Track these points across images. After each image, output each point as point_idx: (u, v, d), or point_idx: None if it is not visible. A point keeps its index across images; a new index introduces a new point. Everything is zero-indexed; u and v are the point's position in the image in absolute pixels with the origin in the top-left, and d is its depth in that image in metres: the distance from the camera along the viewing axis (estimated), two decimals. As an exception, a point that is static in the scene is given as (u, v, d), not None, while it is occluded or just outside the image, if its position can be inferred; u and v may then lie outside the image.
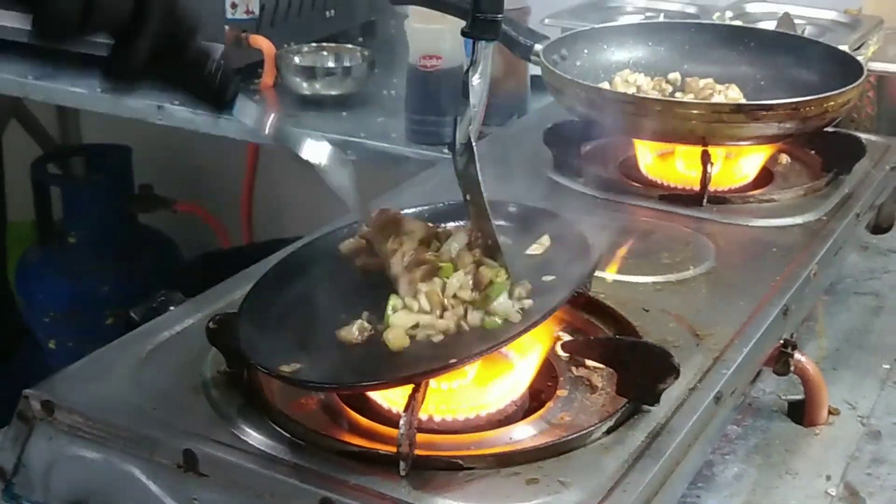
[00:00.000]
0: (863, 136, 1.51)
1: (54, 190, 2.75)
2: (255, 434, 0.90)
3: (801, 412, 1.17)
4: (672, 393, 0.95)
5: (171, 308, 1.10)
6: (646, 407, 0.94)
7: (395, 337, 0.93)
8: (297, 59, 2.11)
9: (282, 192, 2.76)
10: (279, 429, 0.91)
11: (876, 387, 1.24)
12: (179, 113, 2.03)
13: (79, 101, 2.16)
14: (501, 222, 1.09)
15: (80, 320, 2.61)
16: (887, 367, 1.28)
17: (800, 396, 1.17)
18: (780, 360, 1.13)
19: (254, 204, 2.77)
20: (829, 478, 1.08)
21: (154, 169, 2.87)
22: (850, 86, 1.38)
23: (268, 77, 2.12)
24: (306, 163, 0.99)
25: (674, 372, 0.93)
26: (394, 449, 0.85)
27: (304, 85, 2.05)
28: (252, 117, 0.97)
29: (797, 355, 1.14)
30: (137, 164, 2.78)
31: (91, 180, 2.87)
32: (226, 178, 2.87)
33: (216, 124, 2.00)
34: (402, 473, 0.85)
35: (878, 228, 1.57)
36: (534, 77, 1.86)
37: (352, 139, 1.91)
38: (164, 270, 2.67)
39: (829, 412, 1.17)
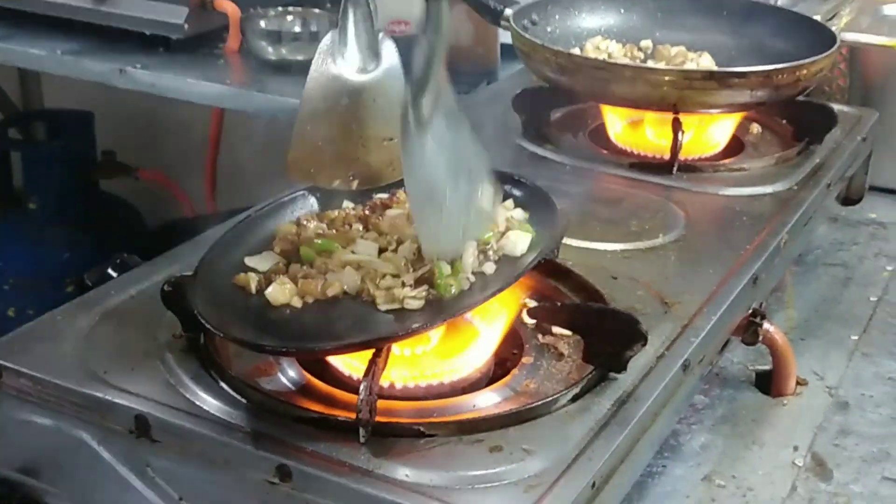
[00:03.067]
0: (835, 106, 1.50)
1: (14, 155, 2.70)
2: (210, 399, 0.88)
3: (768, 382, 1.16)
4: (639, 360, 0.94)
5: (126, 271, 1.07)
6: (612, 374, 0.93)
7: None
8: (262, 24, 2.06)
9: (246, 160, 2.71)
10: (235, 394, 0.88)
11: (844, 358, 1.23)
12: (141, 76, 1.98)
13: (37, 63, 2.10)
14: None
15: (39, 288, 2.56)
16: (855, 338, 1.27)
17: (767, 367, 1.17)
18: (749, 330, 1.12)
19: (218, 172, 2.72)
20: (796, 448, 1.07)
21: (117, 135, 2.81)
22: (823, 54, 1.37)
23: (233, 41, 2.08)
24: None
25: (641, 339, 0.92)
26: (353, 415, 0.83)
27: (270, 50, 2.00)
28: None
29: (766, 325, 1.13)
30: (100, 131, 2.73)
31: (52, 146, 2.81)
32: (190, 146, 2.81)
33: (179, 89, 1.95)
34: (362, 440, 0.83)
35: (848, 200, 1.57)
36: (505, 45, 1.83)
37: (318, 105, 1.86)
38: (126, 238, 2.63)
39: (797, 383, 1.16)
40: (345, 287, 0.91)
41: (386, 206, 1.03)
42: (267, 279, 0.93)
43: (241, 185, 2.71)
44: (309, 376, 0.94)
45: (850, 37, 1.65)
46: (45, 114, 2.98)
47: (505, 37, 1.75)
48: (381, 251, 0.96)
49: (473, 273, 0.94)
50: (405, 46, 1.75)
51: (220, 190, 2.71)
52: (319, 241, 0.96)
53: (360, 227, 1.00)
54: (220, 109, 2.49)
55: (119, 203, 2.78)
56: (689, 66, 1.48)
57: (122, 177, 2.75)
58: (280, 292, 0.91)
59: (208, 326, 0.87)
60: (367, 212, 1.03)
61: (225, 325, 0.87)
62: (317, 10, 2.17)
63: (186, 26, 1.99)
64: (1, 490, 0.94)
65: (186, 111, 2.34)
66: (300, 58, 2.00)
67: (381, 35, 1.10)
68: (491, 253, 0.96)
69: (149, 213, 2.81)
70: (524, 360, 0.98)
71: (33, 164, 2.68)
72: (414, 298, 0.90)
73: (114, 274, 1.08)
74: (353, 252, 0.95)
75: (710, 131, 1.44)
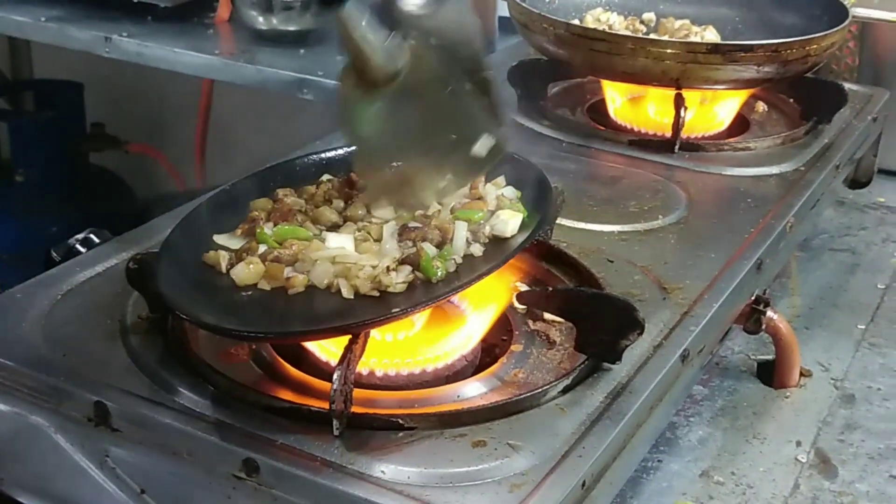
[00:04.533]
0: (844, 84, 1.45)
1: (1, 126, 2.64)
2: (175, 386, 0.82)
3: (770, 373, 1.12)
4: (635, 350, 0.89)
5: (95, 246, 1.01)
6: (606, 365, 0.88)
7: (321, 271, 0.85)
8: (253, -8, 2.00)
9: (236, 134, 2.67)
10: (202, 381, 0.83)
11: (850, 348, 1.18)
12: (127, 45, 1.93)
13: (20, 30, 2.05)
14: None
15: (26, 262, 2.51)
16: (862, 327, 1.23)
17: (770, 356, 1.12)
18: (752, 318, 1.07)
19: (208, 146, 2.67)
20: (799, 443, 1.02)
21: (107, 107, 2.76)
22: (835, 28, 1.31)
23: (223, 10, 2.03)
24: None
25: (638, 327, 0.86)
26: (327, 405, 0.77)
27: (261, 19, 1.95)
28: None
29: (769, 313, 1.08)
30: (90, 102, 2.68)
31: (41, 117, 2.76)
32: (180, 119, 2.77)
33: (166, 59, 1.90)
34: (336, 433, 0.77)
35: (855, 183, 1.52)
36: (503, 19, 1.77)
37: (309, 77, 1.81)
38: (115, 213, 2.58)
39: (801, 374, 1.12)
40: (314, 283, 0.85)
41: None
42: (239, 257, 0.87)
43: (231, 158, 2.68)
44: (283, 362, 0.88)
45: (862, 12, 1.59)
46: (35, 84, 2.93)
47: (503, 9, 1.70)
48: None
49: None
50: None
51: (210, 164, 2.66)
52: (281, 228, 0.90)
53: (342, 203, 0.94)
54: (209, 81, 2.44)
55: (108, 176, 2.73)
56: (693, 39, 1.42)
57: (111, 150, 2.71)
58: (245, 272, 0.85)
59: (171, 307, 0.81)
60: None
61: (190, 306, 0.81)
62: (310, -20, 2.11)
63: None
64: (-45, 478, 0.89)
65: (178, 83, 2.29)
66: (292, 28, 1.95)
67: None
68: (480, 233, 0.91)
69: (138, 187, 2.76)
70: (513, 347, 0.94)
71: (21, 135, 2.63)
72: (397, 282, 0.85)
73: (82, 249, 1.02)
74: (324, 240, 0.88)
75: (714, 109, 1.40)
